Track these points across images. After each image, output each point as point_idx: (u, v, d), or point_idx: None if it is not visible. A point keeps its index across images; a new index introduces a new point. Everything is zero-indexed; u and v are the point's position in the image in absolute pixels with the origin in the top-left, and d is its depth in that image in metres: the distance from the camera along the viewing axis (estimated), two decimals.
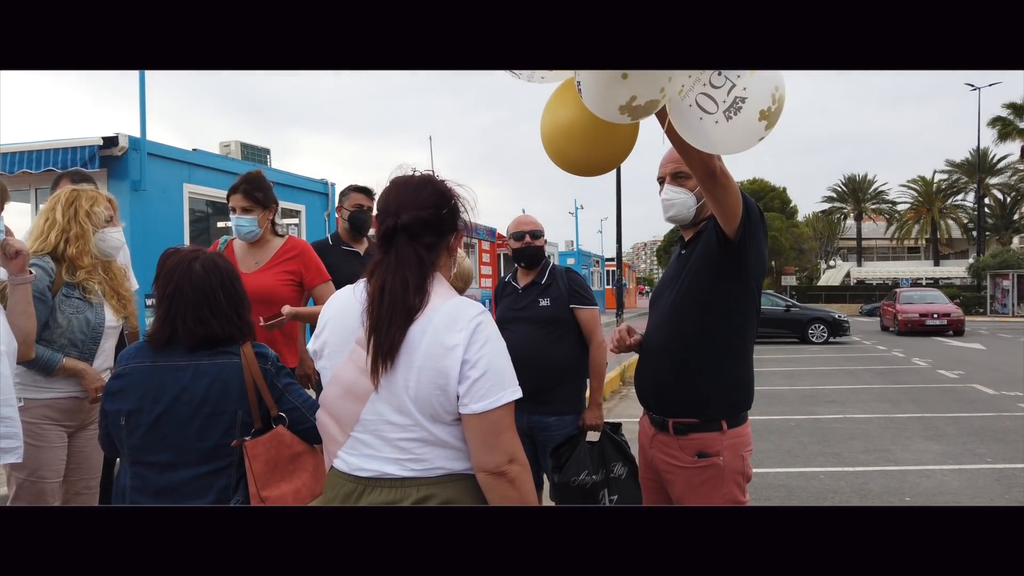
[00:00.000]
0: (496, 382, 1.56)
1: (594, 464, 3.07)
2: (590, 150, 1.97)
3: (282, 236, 3.40)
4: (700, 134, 1.77)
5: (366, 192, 4.14)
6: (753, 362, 2.45)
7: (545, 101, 2.01)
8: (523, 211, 4.45)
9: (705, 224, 2.34)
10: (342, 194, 4.24)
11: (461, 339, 1.57)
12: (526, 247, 3.50)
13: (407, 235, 1.63)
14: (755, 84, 1.68)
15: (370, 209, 4.11)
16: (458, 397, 1.56)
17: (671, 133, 1.88)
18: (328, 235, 4.47)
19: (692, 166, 2.06)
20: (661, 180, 2.43)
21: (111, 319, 2.90)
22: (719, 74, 1.68)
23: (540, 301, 3.43)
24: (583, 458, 3.08)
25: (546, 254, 3.62)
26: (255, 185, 3.25)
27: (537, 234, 3.53)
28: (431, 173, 1.74)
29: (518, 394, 1.60)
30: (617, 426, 3.26)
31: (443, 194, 1.70)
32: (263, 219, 3.27)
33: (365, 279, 1.69)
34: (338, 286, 2.47)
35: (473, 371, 1.55)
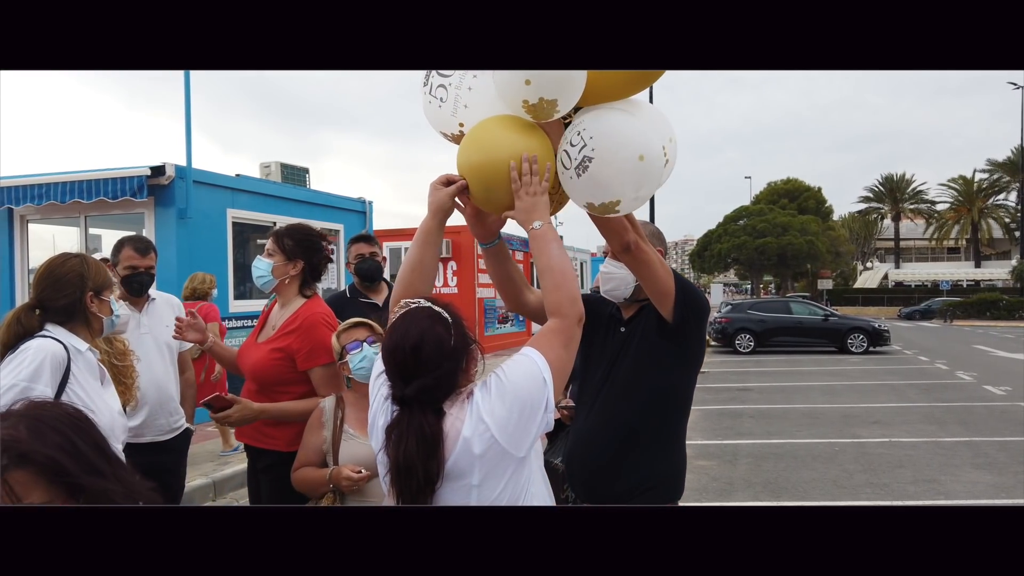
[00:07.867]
0: None
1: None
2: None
3: (307, 297, 2.92)
4: (566, 186, 1.88)
5: (367, 240, 4.12)
6: (685, 449, 2.39)
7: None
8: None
9: (644, 305, 2.30)
10: (347, 248, 4.21)
11: None
12: None
13: (418, 404, 1.59)
14: (602, 167, 1.77)
15: (373, 255, 4.07)
16: None
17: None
18: (346, 287, 4.40)
19: (608, 240, 2.07)
20: (606, 253, 2.41)
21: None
22: (578, 134, 1.79)
23: None
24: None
25: None
26: (289, 232, 2.92)
27: None
28: (431, 311, 1.65)
29: None
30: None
31: (440, 345, 1.60)
32: (281, 269, 2.86)
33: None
34: None
35: None
